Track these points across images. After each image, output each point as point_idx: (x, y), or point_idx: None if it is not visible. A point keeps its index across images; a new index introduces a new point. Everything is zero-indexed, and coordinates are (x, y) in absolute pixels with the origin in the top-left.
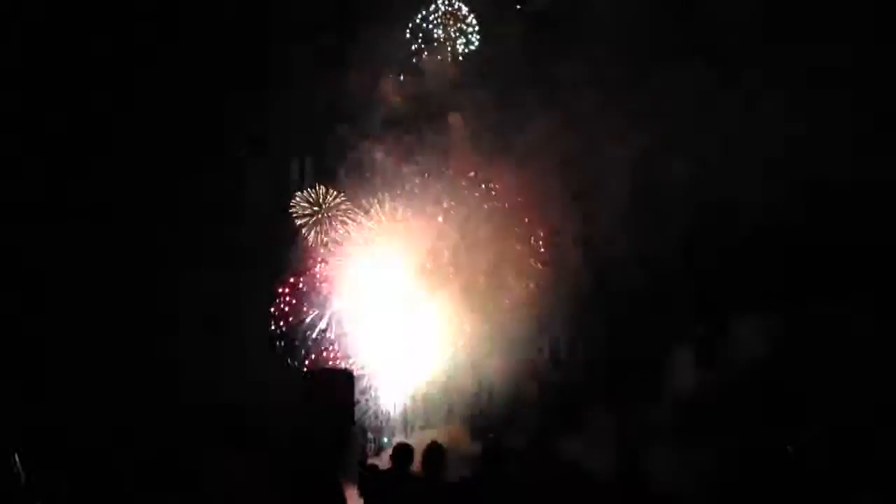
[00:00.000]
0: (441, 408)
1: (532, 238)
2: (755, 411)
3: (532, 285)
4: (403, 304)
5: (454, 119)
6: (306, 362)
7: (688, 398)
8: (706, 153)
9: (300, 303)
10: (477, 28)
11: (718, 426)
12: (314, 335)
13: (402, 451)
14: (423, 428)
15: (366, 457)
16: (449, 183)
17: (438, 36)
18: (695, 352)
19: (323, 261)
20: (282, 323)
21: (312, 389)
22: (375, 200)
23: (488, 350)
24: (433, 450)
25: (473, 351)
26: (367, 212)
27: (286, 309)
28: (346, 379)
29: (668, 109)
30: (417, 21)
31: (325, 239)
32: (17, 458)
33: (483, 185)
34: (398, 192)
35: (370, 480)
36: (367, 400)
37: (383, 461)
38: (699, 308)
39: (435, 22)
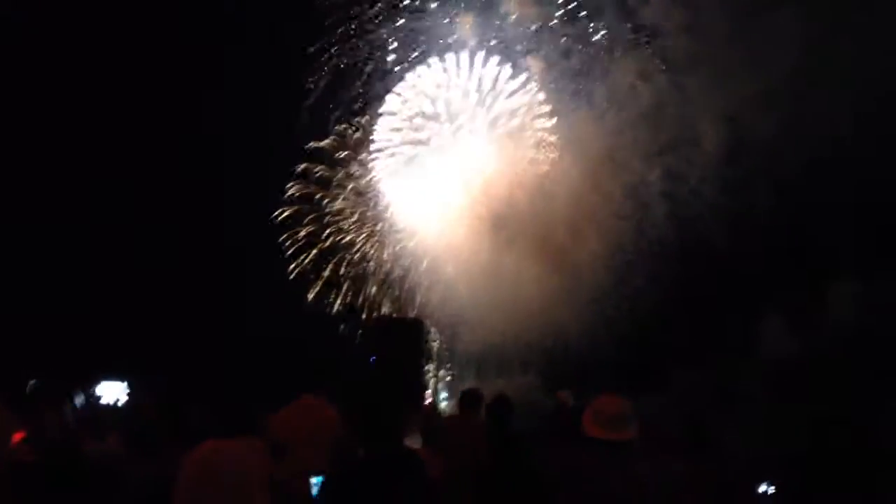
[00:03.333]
0: (515, 358)
1: (612, 192)
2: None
3: (611, 239)
4: (479, 251)
5: (534, 63)
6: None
7: (773, 365)
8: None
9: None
10: None
11: (803, 394)
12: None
13: (471, 397)
14: (495, 378)
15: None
16: (529, 132)
17: None
18: (786, 317)
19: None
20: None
21: (379, 339)
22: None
23: (564, 302)
24: (500, 402)
25: (549, 302)
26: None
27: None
28: (414, 328)
29: (763, 59)
30: None
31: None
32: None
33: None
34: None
35: (433, 426)
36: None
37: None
38: (791, 272)
39: None
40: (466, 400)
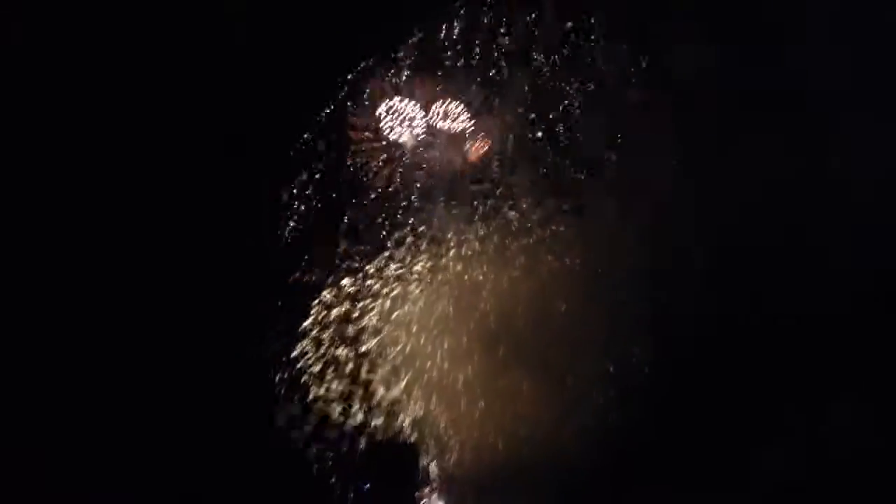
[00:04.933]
0: (516, 482)
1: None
2: None
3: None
4: (475, 374)
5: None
6: None
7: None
8: None
9: None
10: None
11: None
12: None
13: None
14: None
15: None
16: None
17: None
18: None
19: None
20: None
21: (371, 465)
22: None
23: (565, 422)
24: None
25: (549, 423)
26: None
27: None
28: (406, 453)
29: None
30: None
31: None
32: None
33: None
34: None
35: None
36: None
37: None
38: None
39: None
40: None
